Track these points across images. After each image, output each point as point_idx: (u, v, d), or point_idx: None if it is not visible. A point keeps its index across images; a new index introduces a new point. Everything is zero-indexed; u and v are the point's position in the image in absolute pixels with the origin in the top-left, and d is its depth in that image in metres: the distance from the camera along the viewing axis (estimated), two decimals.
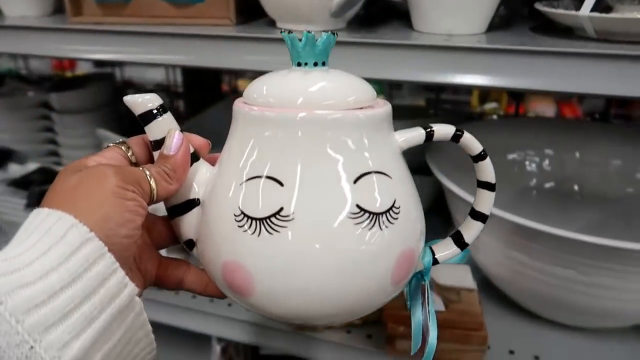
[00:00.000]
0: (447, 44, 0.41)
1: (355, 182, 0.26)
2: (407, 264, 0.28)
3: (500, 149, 0.68)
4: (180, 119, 1.06)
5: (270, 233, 0.25)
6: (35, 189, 0.73)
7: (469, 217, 0.32)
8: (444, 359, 0.50)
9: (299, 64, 0.28)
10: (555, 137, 0.67)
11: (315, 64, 0.28)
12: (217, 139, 0.90)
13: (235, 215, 0.26)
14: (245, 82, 1.48)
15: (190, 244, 0.30)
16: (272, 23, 0.53)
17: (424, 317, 0.32)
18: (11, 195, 0.76)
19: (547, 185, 0.68)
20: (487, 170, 0.30)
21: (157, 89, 1.42)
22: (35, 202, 0.71)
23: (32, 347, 0.19)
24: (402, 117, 0.77)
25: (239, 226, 0.26)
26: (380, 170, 0.27)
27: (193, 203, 0.29)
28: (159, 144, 0.28)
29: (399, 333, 0.50)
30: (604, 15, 0.40)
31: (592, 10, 0.40)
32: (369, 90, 0.28)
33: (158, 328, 0.27)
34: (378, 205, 0.26)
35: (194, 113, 0.97)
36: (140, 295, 0.25)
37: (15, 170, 0.83)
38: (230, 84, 1.41)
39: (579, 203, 0.68)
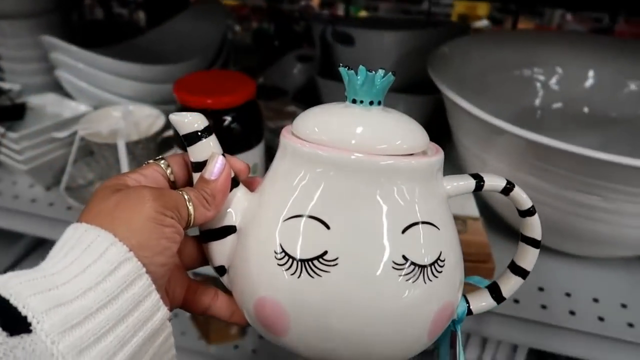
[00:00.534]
0: None
1: (403, 232, 0.25)
2: (445, 318, 0.27)
3: (507, 64, 0.61)
4: (140, 31, 0.95)
5: (311, 276, 0.25)
6: None
7: (508, 271, 0.32)
8: None
9: (354, 101, 0.27)
10: (569, 53, 0.60)
11: (371, 103, 0.27)
12: (182, 52, 0.79)
13: (275, 253, 0.26)
14: None
15: (222, 270, 0.29)
16: None
17: None
18: None
19: (555, 105, 0.62)
20: (534, 226, 0.30)
21: None
22: None
23: None
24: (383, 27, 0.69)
25: (278, 264, 0.25)
26: (428, 221, 0.26)
27: (229, 230, 0.28)
28: (199, 165, 0.27)
29: None
30: None
31: None
32: (423, 136, 0.28)
33: None
34: (424, 258, 0.26)
35: (156, 24, 0.85)
36: (170, 319, 0.24)
37: None
38: None
39: (583, 125, 0.63)
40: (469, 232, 0.46)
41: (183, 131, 0.27)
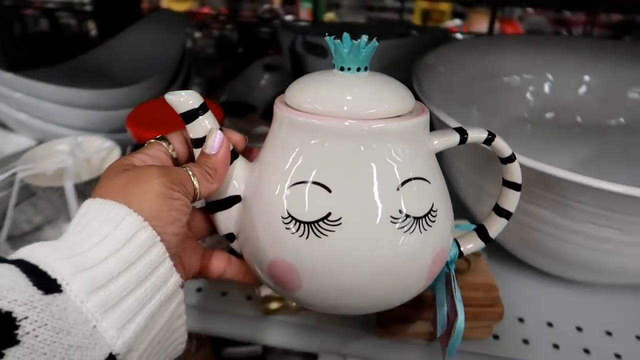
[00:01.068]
0: None
1: (398, 188, 0.27)
2: (441, 262, 0.30)
3: (495, 71, 0.56)
4: (92, 43, 0.87)
5: (318, 236, 0.27)
6: None
7: (493, 213, 0.34)
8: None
9: (342, 69, 0.28)
10: (560, 58, 0.56)
11: (358, 69, 0.28)
12: (139, 66, 0.71)
13: (283, 218, 0.27)
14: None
15: (231, 236, 0.31)
16: None
17: (450, 305, 0.34)
18: None
19: (547, 115, 0.58)
20: (514, 172, 0.32)
21: (60, 7, 1.16)
22: None
23: (94, 327, 0.21)
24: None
25: (286, 228, 0.27)
26: (420, 176, 0.28)
27: (235, 199, 0.30)
28: (199, 141, 0.29)
29: (397, 316, 0.40)
30: None
31: None
32: (409, 97, 0.29)
33: None
34: (419, 210, 0.28)
35: (109, 35, 0.77)
36: (182, 286, 0.26)
37: None
38: (152, 1, 1.17)
39: (576, 134, 0.59)
40: (473, 271, 0.41)
41: (180, 110, 0.28)
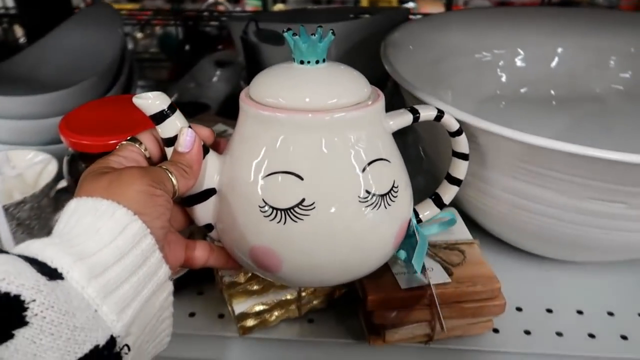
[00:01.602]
0: None
1: (363, 170, 0.29)
2: (404, 231, 0.33)
3: (465, 48, 0.53)
4: (19, 48, 0.78)
5: (294, 221, 0.29)
6: None
7: (445, 182, 0.37)
8: (444, 337, 0.38)
9: (301, 62, 0.30)
10: (530, 31, 0.53)
11: (317, 62, 0.30)
12: (73, 65, 0.63)
13: (260, 207, 0.29)
14: None
15: (209, 227, 0.32)
16: None
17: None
18: None
19: (521, 90, 0.55)
20: (462, 143, 0.35)
21: None
22: None
23: (96, 311, 0.22)
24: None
25: (264, 216, 0.29)
26: (381, 157, 0.30)
27: (210, 192, 0.31)
28: (170, 141, 0.30)
29: (390, 321, 0.36)
30: None
31: None
32: (366, 85, 0.31)
33: None
34: (382, 188, 0.30)
35: (39, 36, 0.69)
36: (171, 279, 0.27)
37: None
38: None
39: (550, 108, 0.57)
40: (469, 263, 0.38)
41: (149, 112, 0.29)
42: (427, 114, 0.33)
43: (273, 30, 0.60)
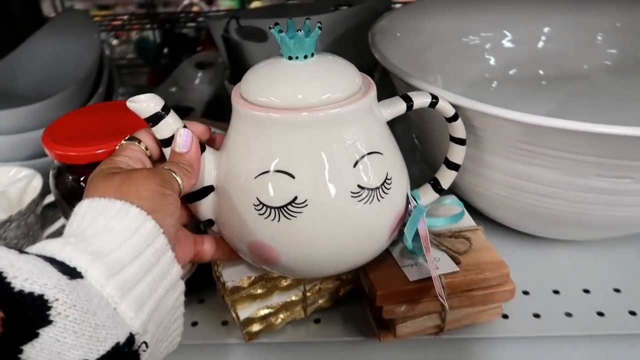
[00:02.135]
0: None
1: (354, 166, 0.29)
2: (399, 220, 0.33)
3: (452, 32, 0.53)
4: None
5: (288, 218, 0.29)
6: None
7: (444, 167, 0.37)
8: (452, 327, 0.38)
9: (290, 57, 0.30)
10: (514, 12, 0.53)
11: (305, 57, 0.30)
12: (49, 76, 0.61)
13: (254, 205, 0.29)
14: None
15: (210, 222, 0.33)
16: None
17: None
18: None
19: (510, 72, 0.55)
20: (459, 128, 0.34)
21: None
22: None
23: (115, 309, 0.22)
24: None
25: (259, 214, 0.29)
26: (373, 151, 0.30)
27: (209, 189, 0.32)
28: (167, 141, 0.30)
29: (400, 315, 0.35)
30: None
31: None
32: (357, 76, 0.30)
33: None
34: (374, 182, 0.30)
35: (10, 49, 0.67)
36: (183, 278, 0.27)
37: None
38: (57, 3, 1.04)
39: (540, 88, 0.56)
40: (476, 250, 0.37)
41: (144, 115, 0.29)
42: (421, 101, 0.32)
43: (255, 27, 0.58)
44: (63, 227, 0.46)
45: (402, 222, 0.34)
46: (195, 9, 1.25)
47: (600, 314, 0.40)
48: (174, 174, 0.28)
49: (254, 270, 0.36)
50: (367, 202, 0.29)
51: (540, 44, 0.55)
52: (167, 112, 0.29)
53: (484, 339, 0.39)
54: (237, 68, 0.62)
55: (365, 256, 0.32)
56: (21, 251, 0.21)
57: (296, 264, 0.31)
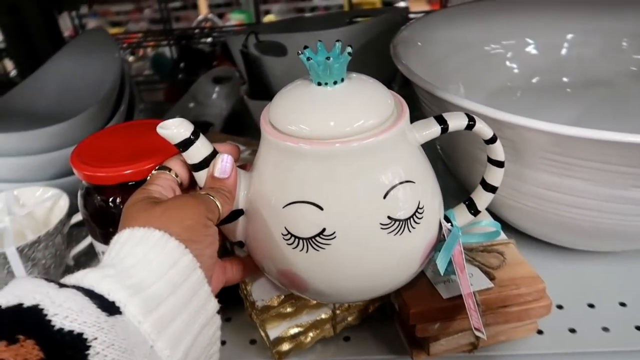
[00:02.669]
0: None
1: (384, 197, 0.28)
2: (431, 248, 0.32)
3: (474, 41, 0.52)
4: (10, 82, 0.76)
5: (316, 249, 0.29)
6: None
7: (480, 188, 0.35)
8: (488, 344, 0.37)
9: (319, 83, 0.29)
10: (537, 20, 0.52)
11: (335, 82, 0.29)
12: (72, 96, 0.61)
13: (283, 235, 0.29)
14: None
15: (241, 244, 0.33)
16: None
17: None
18: None
19: (533, 80, 0.54)
20: (497, 150, 0.33)
21: None
22: None
23: (152, 347, 0.22)
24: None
25: (287, 244, 0.29)
26: (406, 180, 0.29)
27: (239, 213, 0.31)
28: (198, 166, 0.30)
29: (434, 333, 0.34)
30: None
31: None
32: (389, 98, 0.30)
33: None
34: (405, 213, 0.29)
35: (31, 69, 0.67)
36: (219, 312, 0.26)
37: None
38: (74, 22, 1.06)
39: (564, 95, 0.55)
40: (509, 264, 0.36)
41: (175, 140, 0.29)
42: (456, 123, 0.31)
43: (274, 41, 0.58)
44: (89, 246, 0.46)
45: (435, 248, 0.33)
46: (207, 24, 1.26)
47: (639, 328, 0.39)
48: (215, 200, 0.28)
49: (283, 289, 0.36)
50: (397, 233, 0.29)
51: (564, 51, 0.55)
52: (197, 137, 0.29)
53: (519, 355, 0.38)
54: (256, 83, 0.62)
55: (396, 284, 0.32)
56: (61, 284, 0.21)
57: (325, 291, 0.31)
